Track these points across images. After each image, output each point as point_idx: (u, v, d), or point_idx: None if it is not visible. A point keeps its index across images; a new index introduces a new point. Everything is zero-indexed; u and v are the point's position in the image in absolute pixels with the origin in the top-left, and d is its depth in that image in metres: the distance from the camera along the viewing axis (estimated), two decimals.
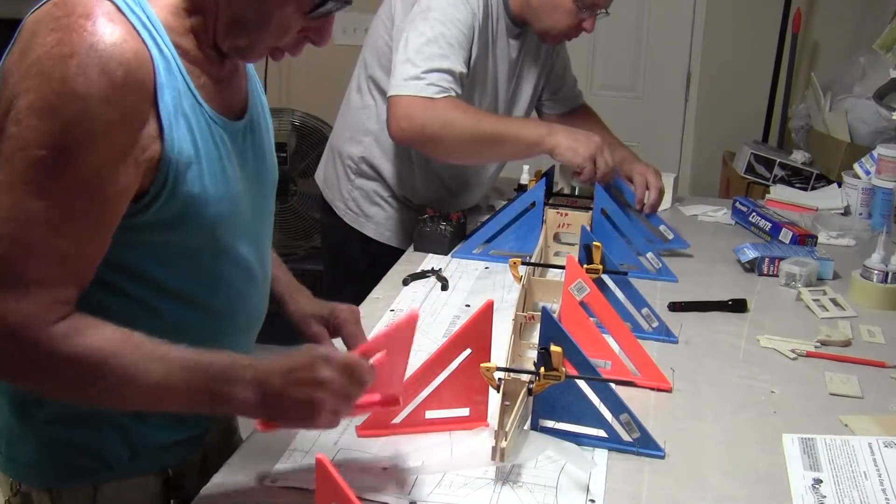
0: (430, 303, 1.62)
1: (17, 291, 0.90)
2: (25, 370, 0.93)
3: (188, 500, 1.04)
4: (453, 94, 1.79)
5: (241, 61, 1.10)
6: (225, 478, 1.06)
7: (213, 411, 0.98)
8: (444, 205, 2.03)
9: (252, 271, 1.14)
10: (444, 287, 1.69)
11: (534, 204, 1.82)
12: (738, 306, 1.63)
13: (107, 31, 0.91)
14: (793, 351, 1.46)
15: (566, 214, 1.83)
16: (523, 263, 1.55)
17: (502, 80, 2.02)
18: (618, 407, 1.14)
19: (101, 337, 0.92)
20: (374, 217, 2.09)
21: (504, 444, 1.05)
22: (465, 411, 1.18)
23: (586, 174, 1.84)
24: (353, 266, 2.14)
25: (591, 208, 1.80)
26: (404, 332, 1.02)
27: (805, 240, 1.96)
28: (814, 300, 1.68)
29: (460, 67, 1.81)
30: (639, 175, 2.01)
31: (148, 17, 0.96)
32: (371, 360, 0.98)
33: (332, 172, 2.15)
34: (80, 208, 0.92)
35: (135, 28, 0.94)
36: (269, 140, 1.20)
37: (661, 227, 1.94)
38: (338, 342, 1.25)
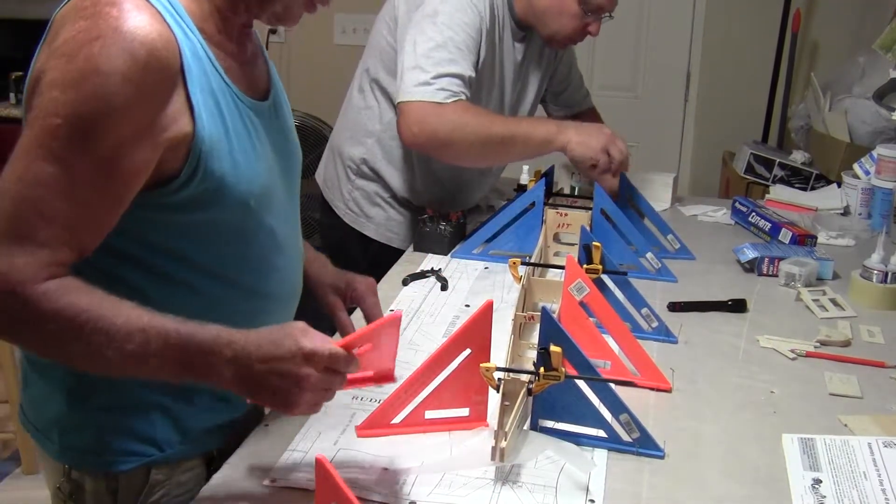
0: (429, 303, 1.62)
1: (16, 246, 0.93)
2: (11, 323, 0.95)
3: None
4: (463, 97, 1.80)
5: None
6: (225, 477, 1.06)
7: (196, 381, 0.99)
8: (444, 205, 2.03)
9: (286, 247, 1.18)
10: (444, 287, 1.69)
11: (533, 204, 1.82)
12: (738, 306, 1.63)
13: (132, 16, 0.95)
14: (792, 351, 1.47)
15: (566, 214, 1.83)
16: (523, 263, 1.55)
17: (508, 83, 2.02)
18: (617, 407, 1.14)
19: (87, 299, 0.94)
20: (375, 218, 2.09)
21: (504, 444, 1.05)
22: (464, 411, 1.18)
23: (602, 166, 1.85)
24: (353, 266, 2.13)
25: (590, 208, 1.80)
26: (388, 330, 1.02)
27: (805, 240, 1.96)
28: (813, 300, 1.68)
29: (469, 71, 1.82)
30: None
31: (171, 5, 1.00)
32: (356, 351, 0.98)
33: (332, 173, 2.15)
34: (90, 178, 0.95)
35: (160, 14, 0.97)
36: (291, 120, 1.26)
37: (669, 237, 1.93)
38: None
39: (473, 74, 1.84)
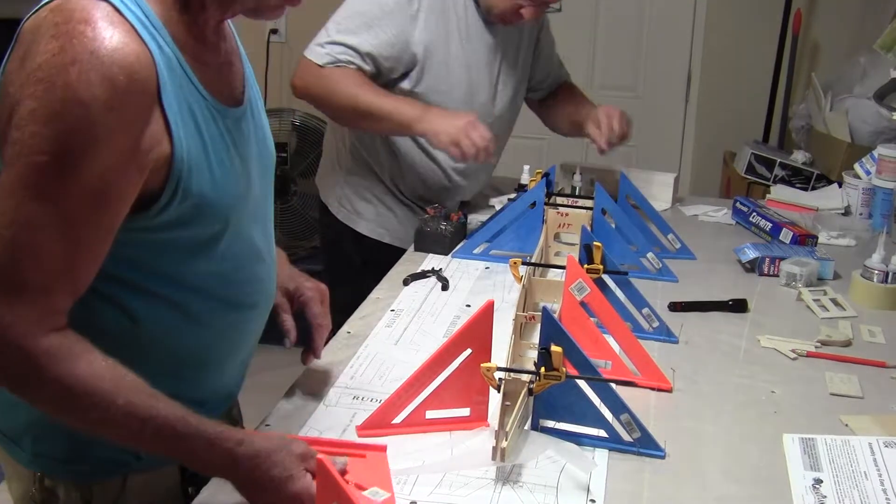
0: (430, 303, 1.61)
1: (14, 296, 0.89)
2: (12, 377, 0.92)
3: (201, 487, 1.07)
4: (351, 67, 1.89)
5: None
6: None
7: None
8: (437, 198, 2.05)
9: (264, 253, 1.17)
10: (445, 287, 1.69)
11: (534, 204, 1.82)
12: (739, 306, 1.63)
13: (107, 36, 0.90)
14: (793, 351, 1.46)
15: (566, 214, 1.83)
16: (524, 263, 1.55)
17: (480, 66, 2.02)
18: (618, 407, 1.14)
19: (87, 369, 0.92)
20: (365, 214, 2.11)
21: (504, 444, 1.05)
22: (465, 411, 1.18)
23: (455, 155, 1.86)
24: (347, 263, 2.17)
25: (591, 208, 1.80)
26: (378, 455, 1.07)
27: (805, 240, 1.96)
28: (814, 300, 1.68)
29: (368, 47, 1.89)
30: (603, 114, 2.09)
31: (146, 15, 0.95)
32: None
33: (327, 171, 2.18)
34: (83, 214, 0.91)
35: (134, 28, 0.93)
36: (265, 119, 1.23)
37: (669, 237, 1.93)
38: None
39: (376, 51, 1.89)
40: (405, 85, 1.96)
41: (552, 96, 2.31)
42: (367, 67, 1.91)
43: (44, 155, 0.88)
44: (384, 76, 1.94)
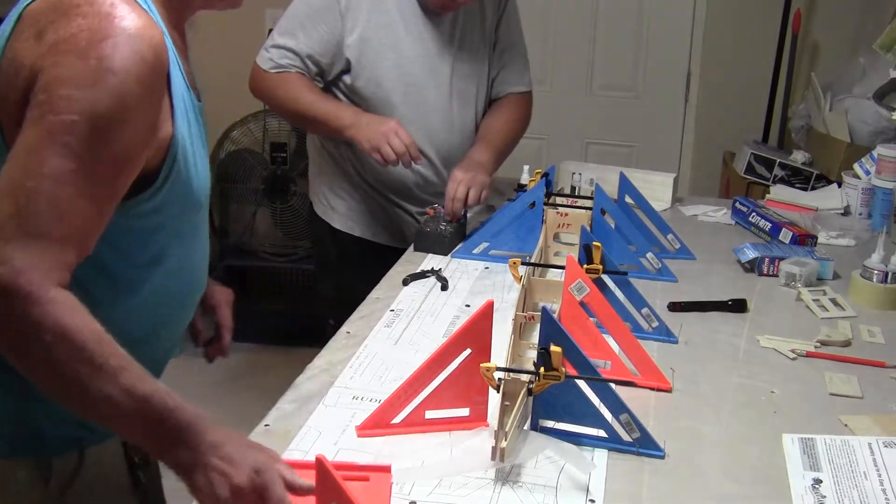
0: (430, 303, 1.62)
1: (31, 243, 0.92)
2: (13, 320, 0.92)
3: (146, 457, 1.21)
4: (292, 70, 1.97)
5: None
6: None
7: (148, 449, 1.01)
8: (409, 190, 2.07)
9: (205, 234, 1.24)
10: (444, 287, 1.69)
11: (534, 204, 1.82)
12: (738, 306, 1.63)
13: (134, 16, 0.96)
14: (793, 351, 1.46)
15: (566, 214, 1.83)
16: (523, 263, 1.55)
17: (427, 58, 2.02)
18: (618, 407, 1.14)
19: (86, 326, 0.93)
20: (338, 208, 2.14)
21: (504, 444, 1.05)
22: (465, 411, 1.18)
23: (378, 161, 1.90)
24: (326, 258, 2.22)
25: (591, 208, 1.80)
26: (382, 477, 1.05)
27: (805, 240, 1.96)
28: (814, 300, 1.68)
29: (305, 49, 1.96)
30: (454, 181, 1.89)
31: (148, 4, 1.02)
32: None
33: (310, 169, 2.24)
34: (104, 177, 0.96)
35: (147, 13, 0.99)
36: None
37: (669, 237, 1.93)
38: None
39: (312, 51, 1.96)
40: (347, 80, 2.00)
41: (494, 104, 2.20)
42: (310, 68, 1.98)
43: (75, 115, 0.92)
44: (327, 74, 2.01)
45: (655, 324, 1.49)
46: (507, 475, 1.08)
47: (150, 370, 0.99)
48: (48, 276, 0.92)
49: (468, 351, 1.14)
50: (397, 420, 1.16)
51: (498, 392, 1.11)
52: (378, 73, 1.98)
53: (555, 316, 1.19)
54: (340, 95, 2.02)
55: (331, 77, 2.01)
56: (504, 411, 1.07)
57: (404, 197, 2.09)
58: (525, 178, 2.07)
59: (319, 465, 0.87)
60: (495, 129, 2.12)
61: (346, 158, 2.09)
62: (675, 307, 1.62)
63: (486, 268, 1.80)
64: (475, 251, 1.86)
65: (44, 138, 0.92)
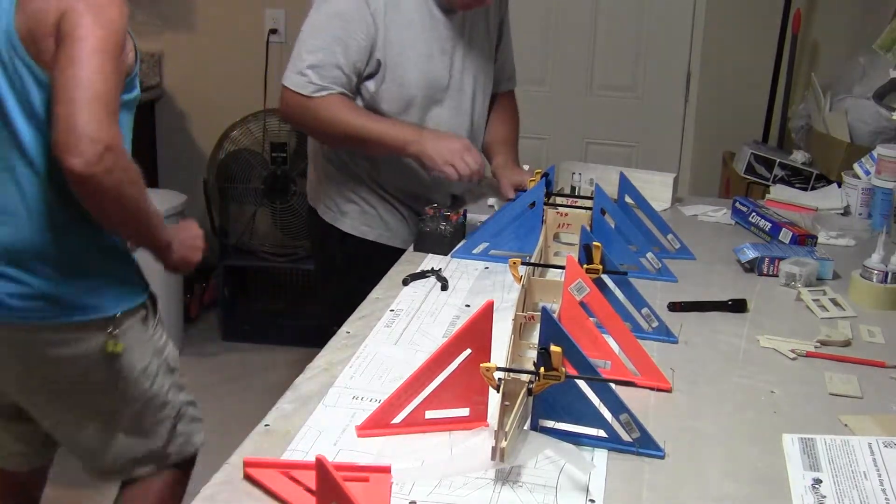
0: (430, 303, 1.62)
1: (113, 119, 1.40)
2: (123, 176, 1.41)
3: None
4: (333, 89, 1.91)
5: None
6: (226, 476, 1.06)
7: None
8: (422, 192, 2.07)
9: None
10: (444, 287, 1.69)
11: (534, 204, 1.82)
12: (738, 306, 1.63)
13: None
14: (793, 351, 1.47)
15: (566, 214, 1.83)
16: (523, 263, 1.55)
17: (446, 51, 2.03)
18: (618, 407, 1.14)
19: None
20: (350, 213, 2.13)
21: (504, 444, 1.05)
22: (465, 411, 1.18)
23: (450, 175, 1.91)
24: (331, 263, 2.20)
25: (591, 208, 1.80)
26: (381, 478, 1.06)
27: (805, 240, 1.96)
28: (814, 300, 1.68)
29: (346, 61, 1.90)
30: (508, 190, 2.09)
31: None
32: None
33: (312, 176, 2.22)
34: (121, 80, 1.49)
35: None
36: None
37: (669, 237, 1.93)
38: None
39: (353, 60, 1.92)
40: (370, 85, 1.98)
41: (493, 104, 2.28)
42: (352, 80, 1.94)
43: (104, 30, 1.42)
44: (358, 81, 1.98)
45: (655, 324, 1.49)
46: (507, 475, 1.08)
47: None
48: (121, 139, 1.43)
49: (468, 351, 1.14)
50: (397, 420, 1.17)
51: (498, 392, 1.11)
52: (402, 73, 1.98)
53: (555, 316, 1.19)
54: (359, 101, 2.00)
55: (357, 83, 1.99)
56: (504, 411, 1.07)
57: (419, 199, 2.08)
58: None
59: (319, 466, 0.87)
60: (507, 130, 2.26)
61: (358, 164, 2.08)
62: (675, 307, 1.62)
63: (486, 268, 1.80)
64: (475, 251, 1.86)
65: (97, 47, 1.40)
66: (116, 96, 1.41)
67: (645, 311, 1.49)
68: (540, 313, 1.17)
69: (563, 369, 1.10)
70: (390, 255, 1.88)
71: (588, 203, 1.84)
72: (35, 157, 1.50)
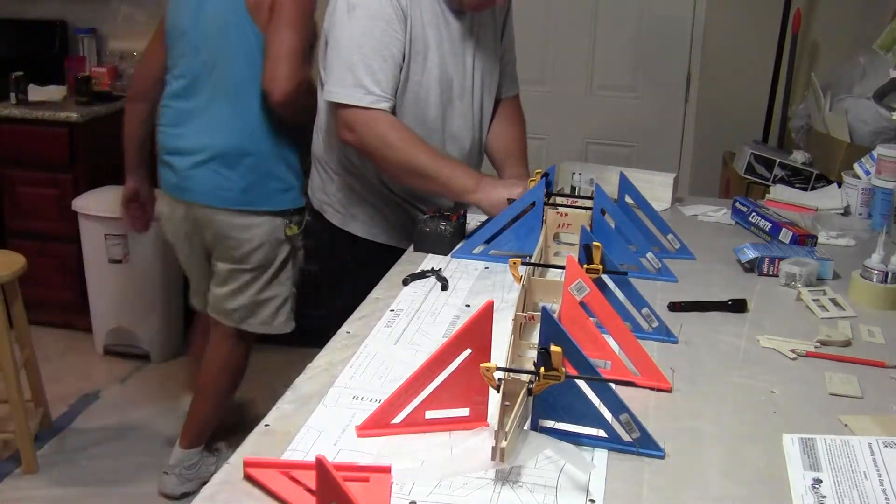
0: (430, 303, 1.62)
1: (300, 67, 2.26)
2: (307, 102, 2.23)
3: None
4: (385, 103, 1.90)
5: None
6: (226, 476, 1.06)
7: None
8: (426, 199, 2.06)
9: None
10: (444, 287, 1.69)
11: (534, 204, 1.82)
12: (738, 306, 1.63)
13: None
14: (793, 351, 1.47)
15: (566, 214, 1.83)
16: (523, 263, 1.55)
17: (458, 52, 2.03)
18: (618, 407, 1.14)
19: None
20: (359, 216, 2.12)
21: (504, 444, 1.05)
22: (465, 411, 1.18)
23: None
24: (343, 266, 2.18)
25: (591, 208, 1.80)
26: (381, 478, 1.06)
27: (805, 240, 1.96)
28: (814, 300, 1.68)
29: (387, 66, 1.89)
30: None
31: None
32: None
33: (316, 178, 2.20)
34: (308, 38, 2.35)
35: None
36: None
37: (669, 237, 1.93)
38: None
39: (394, 66, 1.91)
40: None
41: (498, 110, 2.26)
42: (393, 90, 1.92)
43: (298, 10, 2.27)
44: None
45: (655, 324, 1.49)
46: (507, 475, 1.08)
47: None
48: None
49: (468, 351, 1.14)
50: (397, 420, 1.17)
51: (498, 392, 1.11)
52: (420, 72, 1.98)
53: (555, 316, 1.19)
54: None
55: None
56: (504, 411, 1.07)
57: (425, 200, 2.08)
58: None
59: (319, 466, 0.87)
60: (519, 146, 2.27)
61: (369, 168, 2.07)
62: (675, 307, 1.62)
63: (486, 268, 1.80)
64: (475, 251, 1.86)
65: (292, 22, 2.25)
66: (304, 51, 2.26)
67: (645, 311, 1.49)
68: (540, 313, 1.17)
69: (563, 369, 1.10)
70: (398, 256, 1.88)
71: (588, 203, 1.83)
72: (249, 90, 2.35)
